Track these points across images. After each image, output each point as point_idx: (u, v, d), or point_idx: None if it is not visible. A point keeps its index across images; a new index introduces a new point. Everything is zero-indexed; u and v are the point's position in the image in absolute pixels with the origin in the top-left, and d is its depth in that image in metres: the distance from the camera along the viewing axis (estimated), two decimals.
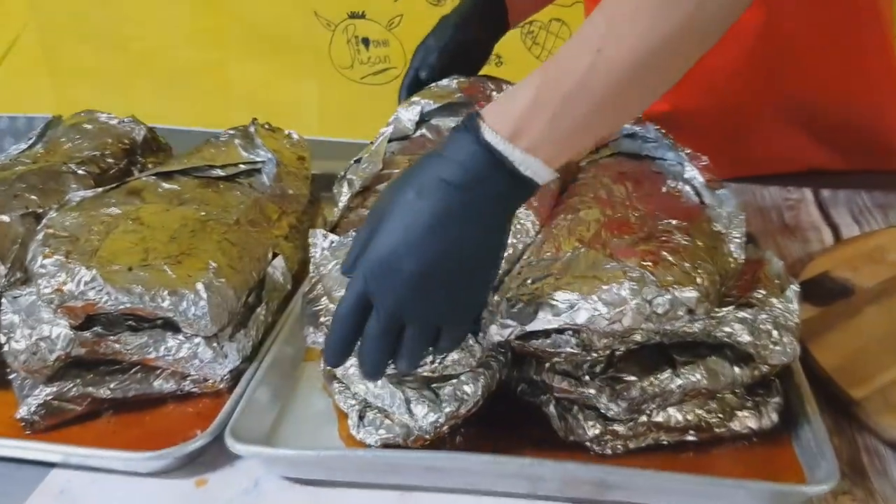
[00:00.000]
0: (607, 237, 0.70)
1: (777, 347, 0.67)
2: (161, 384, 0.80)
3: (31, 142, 1.08)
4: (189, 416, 0.79)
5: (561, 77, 0.57)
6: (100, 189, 0.92)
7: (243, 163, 1.02)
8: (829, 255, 0.97)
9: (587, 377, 0.69)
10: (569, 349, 0.67)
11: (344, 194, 0.91)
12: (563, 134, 0.57)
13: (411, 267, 0.57)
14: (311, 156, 1.14)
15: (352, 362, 0.70)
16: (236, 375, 0.81)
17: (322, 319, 0.73)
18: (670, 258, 0.66)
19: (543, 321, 0.65)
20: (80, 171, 0.99)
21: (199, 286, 0.78)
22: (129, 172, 1.04)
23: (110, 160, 1.02)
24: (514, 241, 0.76)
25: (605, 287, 0.64)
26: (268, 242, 0.92)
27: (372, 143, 0.98)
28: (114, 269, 0.77)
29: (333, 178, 1.17)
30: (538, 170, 0.58)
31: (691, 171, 0.82)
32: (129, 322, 0.79)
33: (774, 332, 0.67)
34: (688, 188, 0.81)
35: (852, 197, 1.13)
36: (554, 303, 0.65)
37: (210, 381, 0.80)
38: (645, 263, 0.65)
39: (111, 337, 0.77)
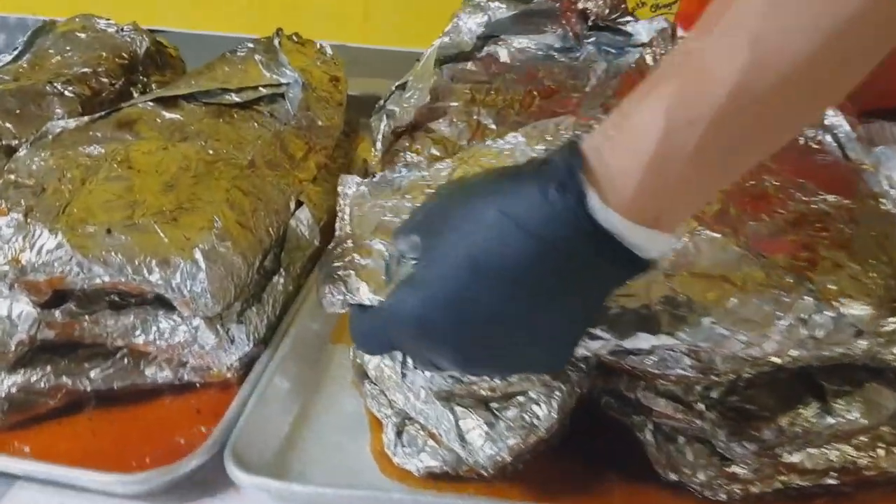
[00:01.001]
0: (738, 216, 0.51)
1: None
2: (154, 373, 0.64)
3: (14, 53, 0.90)
4: (188, 413, 0.64)
5: (702, 91, 0.36)
6: (85, 118, 0.75)
7: (264, 85, 0.84)
8: None
9: (701, 404, 0.51)
10: (680, 370, 0.49)
11: (382, 131, 0.73)
12: (703, 183, 0.39)
13: (455, 346, 0.44)
14: (347, 74, 0.96)
15: (387, 362, 0.54)
16: (248, 361, 0.65)
17: (349, 282, 0.53)
18: (832, 255, 0.47)
19: (648, 338, 0.47)
20: (67, 93, 0.82)
21: (198, 253, 0.61)
22: (127, 94, 0.86)
23: (104, 79, 0.85)
24: None
25: (740, 295, 0.46)
26: (290, 189, 0.74)
27: (419, 60, 0.79)
28: (87, 231, 0.60)
29: (376, 101, 0.99)
30: (663, 245, 0.40)
31: (835, 117, 0.62)
32: (111, 298, 0.63)
33: None
34: (829, 139, 0.61)
35: None
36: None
37: (214, 370, 0.64)
38: (798, 263, 0.46)
39: (87, 317, 0.62)
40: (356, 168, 0.94)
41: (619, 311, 0.48)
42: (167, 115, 0.77)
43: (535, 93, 0.68)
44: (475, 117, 0.65)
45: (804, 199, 0.51)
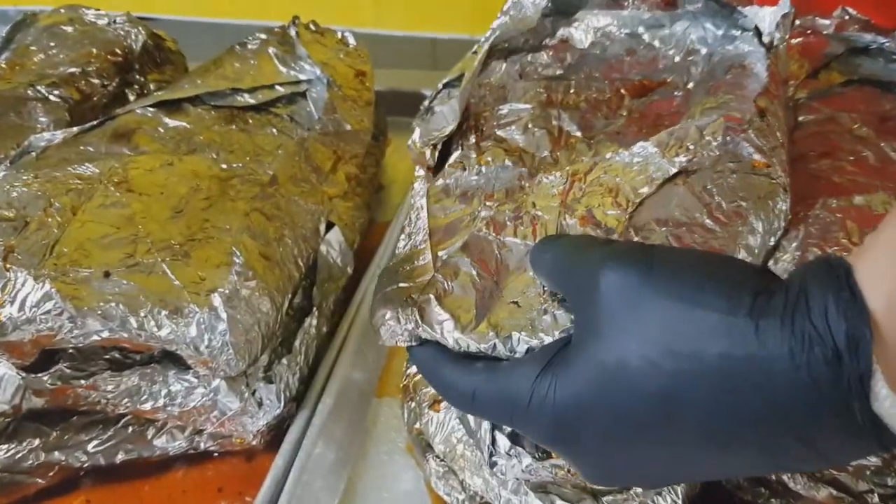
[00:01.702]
0: None
1: None
2: (164, 442, 0.53)
3: None
4: (208, 491, 0.53)
5: None
6: (74, 129, 0.63)
7: (281, 83, 0.72)
8: None
9: (875, 495, 0.40)
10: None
11: (429, 135, 0.61)
12: None
13: (597, 463, 0.36)
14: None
15: (464, 440, 0.43)
16: (279, 421, 0.53)
17: (427, 311, 0.41)
18: None
19: None
20: (52, 97, 0.69)
21: (217, 298, 0.50)
22: (122, 98, 0.74)
23: (95, 80, 0.72)
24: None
25: None
26: (319, 208, 0.62)
27: (475, 52, 0.66)
28: (80, 276, 0.48)
29: (396, 96, 0.88)
30: None
31: None
32: (111, 356, 0.51)
33: None
34: None
35: None
36: None
37: (237, 438, 0.53)
38: None
39: (82, 381, 0.50)
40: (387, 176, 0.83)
41: None
42: (171, 122, 0.65)
43: (622, 91, 0.55)
44: (555, 122, 0.53)
45: None
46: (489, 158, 0.51)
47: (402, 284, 0.44)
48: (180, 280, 0.50)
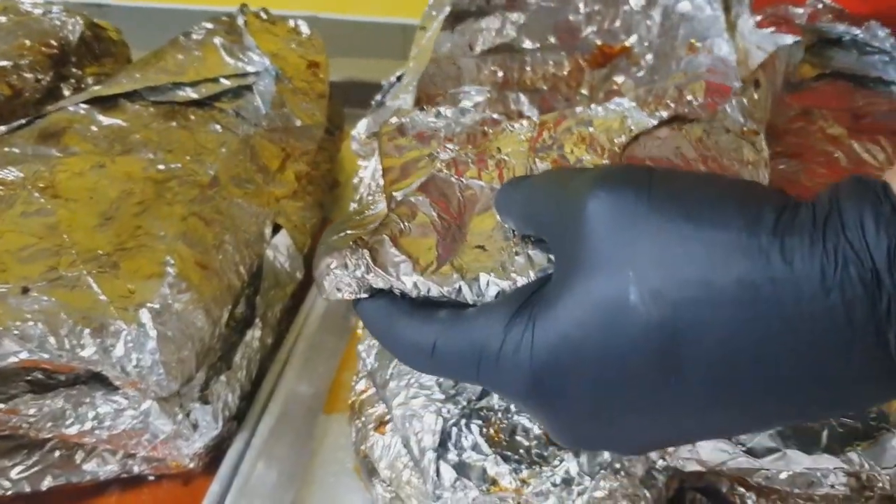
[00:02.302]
0: None
1: None
2: (95, 467, 0.50)
3: None
4: None
5: None
6: (2, 127, 0.59)
7: (228, 76, 0.68)
8: None
9: None
10: (826, 490, 0.35)
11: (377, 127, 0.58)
12: None
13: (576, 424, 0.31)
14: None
15: (411, 469, 0.40)
16: (218, 442, 0.50)
17: (381, 252, 0.36)
18: None
19: (800, 459, 0.33)
20: None
21: (145, 314, 0.46)
22: (57, 93, 0.70)
23: (28, 74, 0.68)
24: None
25: None
26: (265, 210, 0.59)
27: (423, 27, 0.62)
28: None
29: (357, 86, 0.84)
30: None
31: None
32: (33, 377, 0.47)
33: None
34: None
35: None
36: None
37: (173, 461, 0.49)
38: None
39: (1, 405, 0.46)
40: (344, 172, 0.79)
41: None
42: (105, 120, 0.61)
43: (581, 63, 0.52)
44: (513, 107, 0.50)
45: None
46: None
47: (349, 232, 0.39)
48: (107, 294, 0.47)
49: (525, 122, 0.44)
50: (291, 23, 0.77)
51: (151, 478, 0.51)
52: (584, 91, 0.52)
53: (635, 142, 0.41)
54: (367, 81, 0.89)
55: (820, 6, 0.64)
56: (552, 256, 0.33)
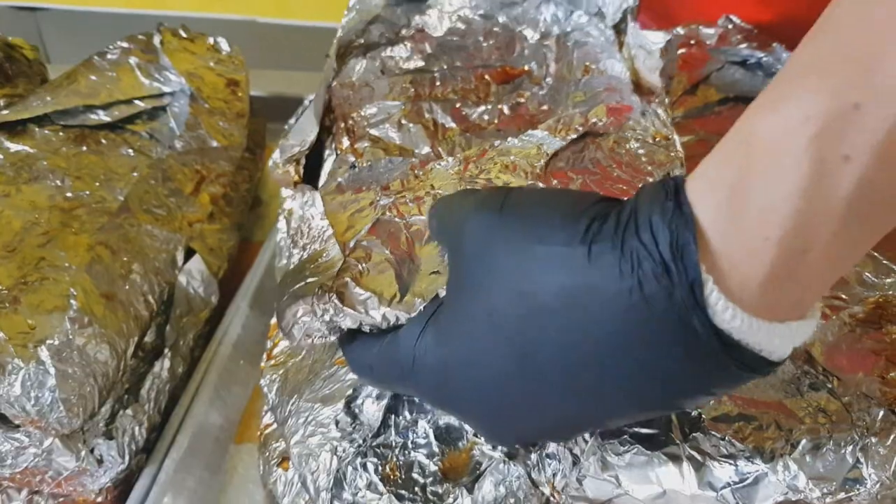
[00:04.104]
0: None
1: None
2: None
3: None
4: None
5: (869, 105, 0.24)
6: None
7: (142, 98, 0.67)
8: None
9: None
10: None
11: (290, 152, 0.58)
12: (851, 250, 0.27)
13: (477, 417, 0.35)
14: (258, 63, 0.79)
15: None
16: (126, 476, 0.50)
17: (348, 293, 0.38)
18: None
19: (670, 499, 0.33)
20: None
21: (44, 351, 0.45)
22: None
23: None
24: None
25: (806, 439, 0.32)
26: (176, 235, 0.58)
27: (328, 55, 0.63)
28: None
29: (283, 101, 0.84)
30: (797, 338, 0.27)
31: None
32: None
33: None
34: None
35: None
36: (694, 456, 0.33)
37: (80, 497, 0.49)
38: (890, 390, 0.33)
39: None
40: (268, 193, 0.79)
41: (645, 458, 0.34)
42: (12, 146, 0.60)
43: (487, 78, 0.53)
44: (428, 115, 0.51)
45: (874, 279, 0.37)
46: (368, 160, 0.48)
47: (310, 280, 0.40)
48: (5, 331, 0.46)
49: (451, 160, 0.46)
50: (211, 40, 0.76)
51: None
52: (493, 100, 0.53)
53: (556, 157, 0.43)
54: (293, 96, 0.88)
55: (730, 26, 0.65)
56: None
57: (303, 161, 0.52)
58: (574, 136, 0.45)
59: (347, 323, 0.38)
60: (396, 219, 0.42)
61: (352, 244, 0.41)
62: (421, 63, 0.56)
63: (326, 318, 0.38)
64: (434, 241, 0.39)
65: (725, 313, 0.26)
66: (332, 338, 0.39)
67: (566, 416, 0.31)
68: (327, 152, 0.54)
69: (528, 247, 0.29)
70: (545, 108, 0.52)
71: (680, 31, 0.65)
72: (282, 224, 0.57)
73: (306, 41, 1.18)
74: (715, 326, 0.26)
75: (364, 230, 0.42)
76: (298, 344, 0.39)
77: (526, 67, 0.54)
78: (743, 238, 0.25)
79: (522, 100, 0.53)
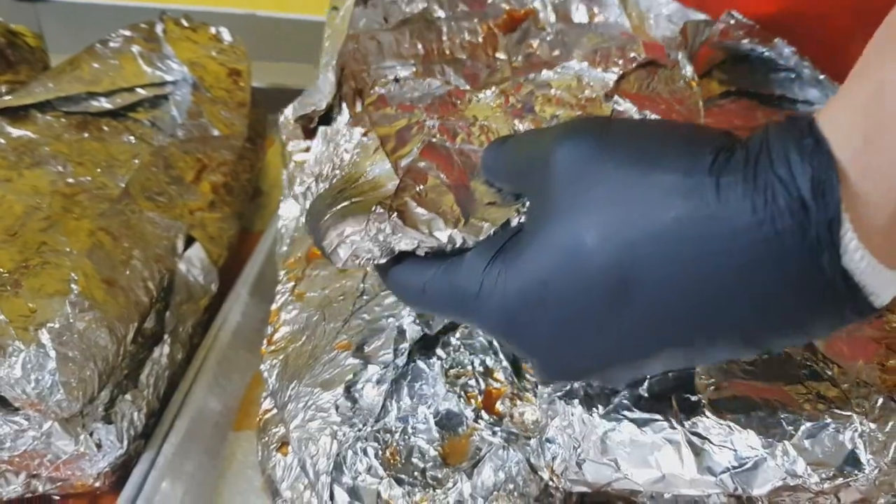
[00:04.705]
0: None
1: None
2: None
3: None
4: None
5: None
6: None
7: (144, 86, 0.67)
8: None
9: None
10: None
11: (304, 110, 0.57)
12: None
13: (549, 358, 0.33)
14: (257, 56, 0.79)
15: (311, 493, 0.40)
16: (125, 461, 0.50)
17: (409, 212, 0.36)
18: None
19: (669, 483, 0.33)
20: None
21: (45, 334, 0.45)
22: None
23: None
24: None
25: (806, 424, 0.32)
26: (177, 223, 0.58)
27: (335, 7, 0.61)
28: None
29: (283, 93, 0.83)
30: None
31: None
32: None
33: None
34: None
35: None
36: (694, 440, 0.34)
37: (78, 482, 0.49)
38: (890, 378, 0.33)
39: None
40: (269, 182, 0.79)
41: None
42: (14, 131, 0.60)
43: (493, 29, 0.52)
44: (440, 77, 0.50)
45: None
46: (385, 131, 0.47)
47: (356, 199, 0.38)
48: (6, 314, 0.46)
49: (488, 92, 0.45)
50: (213, 30, 0.76)
51: (57, 497, 0.50)
52: (502, 55, 0.52)
53: (622, 80, 0.42)
54: (294, 88, 0.88)
55: (732, 22, 0.65)
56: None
57: (316, 120, 0.50)
58: (616, 69, 0.44)
59: (403, 244, 0.35)
60: (448, 143, 0.41)
61: (403, 164, 0.40)
62: (423, 4, 0.54)
63: (381, 237, 0.35)
64: (486, 178, 0.38)
65: (856, 254, 0.26)
66: (382, 259, 0.36)
67: (648, 353, 0.31)
68: (336, 111, 0.52)
69: (641, 174, 0.29)
70: (557, 52, 0.50)
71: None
72: (284, 210, 0.57)
73: (304, 34, 1.17)
74: (842, 267, 0.26)
75: (415, 150, 0.40)
76: (344, 265, 0.37)
77: (530, 6, 0.53)
78: (878, 182, 0.25)
79: (532, 49, 0.52)
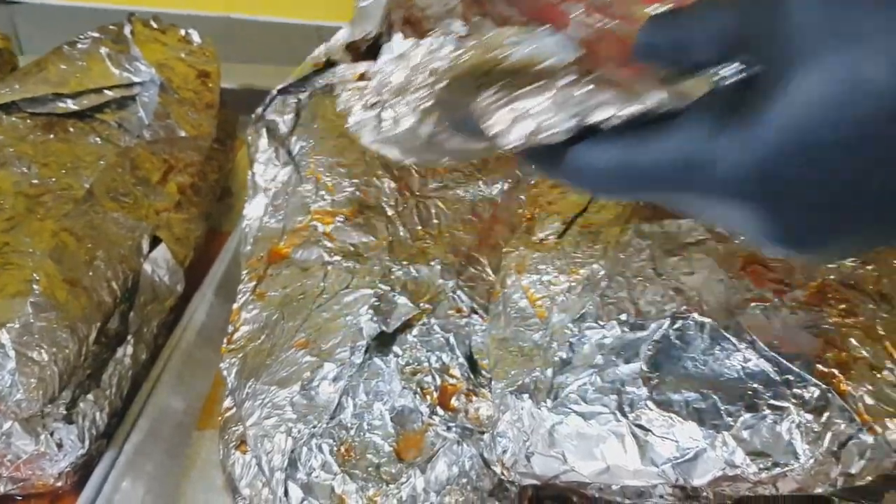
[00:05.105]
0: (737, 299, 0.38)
1: None
2: None
3: None
4: None
5: None
6: None
7: (111, 87, 0.67)
8: None
9: None
10: (656, 500, 0.37)
11: (262, 148, 0.58)
12: None
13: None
14: (229, 58, 0.79)
15: (268, 491, 0.40)
16: (86, 461, 0.50)
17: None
18: (866, 352, 0.35)
19: (614, 474, 0.34)
20: None
21: (5, 335, 0.46)
22: None
23: None
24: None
25: (745, 416, 0.33)
26: (142, 224, 0.59)
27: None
28: None
29: (254, 94, 0.83)
30: None
31: None
32: None
33: None
34: None
35: None
36: (637, 433, 0.34)
37: (39, 481, 0.49)
38: (824, 370, 0.34)
39: None
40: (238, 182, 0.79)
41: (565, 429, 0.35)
42: None
43: None
44: (488, 5, 0.47)
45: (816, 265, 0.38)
46: None
47: (519, 77, 0.33)
48: None
49: None
50: (182, 31, 0.77)
51: (19, 497, 0.50)
52: None
53: None
54: (265, 89, 0.89)
55: None
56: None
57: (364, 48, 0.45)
58: None
59: (600, 113, 0.31)
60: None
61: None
62: None
63: (572, 106, 0.31)
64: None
65: None
66: (563, 137, 0.31)
67: None
68: (384, 39, 0.45)
69: None
70: None
71: None
72: (248, 210, 0.57)
73: (276, 37, 1.17)
74: None
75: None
76: (513, 146, 0.32)
77: None
78: None
79: None
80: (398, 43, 0.39)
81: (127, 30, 0.73)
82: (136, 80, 0.69)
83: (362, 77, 0.42)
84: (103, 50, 0.70)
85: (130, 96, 0.68)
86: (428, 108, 0.35)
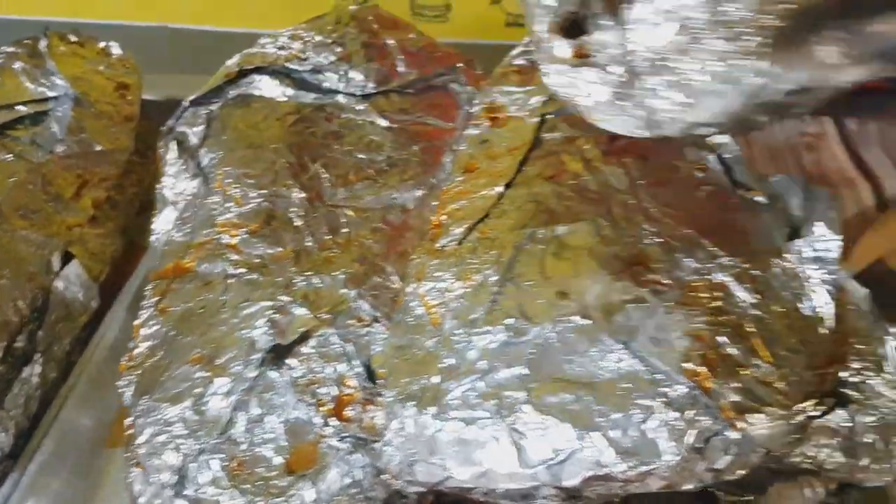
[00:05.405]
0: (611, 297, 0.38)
1: (882, 466, 0.38)
2: None
3: None
4: None
5: None
6: None
7: (25, 102, 0.67)
8: (879, 230, 0.67)
9: None
10: (539, 502, 0.37)
11: (169, 162, 0.58)
12: None
13: None
14: (169, 67, 0.79)
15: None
16: None
17: None
18: (734, 350, 0.35)
19: (490, 478, 0.34)
20: None
21: None
22: None
23: None
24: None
25: (614, 416, 0.33)
26: (53, 240, 0.58)
27: None
28: None
29: (177, 106, 0.83)
30: None
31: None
32: None
33: (880, 444, 0.38)
34: (712, 159, 0.49)
35: (888, 132, 0.81)
36: (514, 436, 0.34)
37: None
38: (692, 368, 0.34)
39: None
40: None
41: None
42: None
43: None
44: None
45: (694, 265, 0.39)
46: None
47: None
48: None
49: None
50: (102, 44, 0.76)
51: None
52: None
53: None
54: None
55: None
56: None
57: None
58: None
59: None
60: None
61: None
62: None
63: None
64: None
65: None
66: None
67: None
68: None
69: None
70: None
71: None
72: (157, 224, 0.57)
73: (201, 45, 1.16)
74: None
75: None
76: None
77: None
78: None
79: None
80: None
81: (42, 44, 0.72)
82: (50, 94, 0.68)
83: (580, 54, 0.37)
84: (17, 65, 0.69)
85: (44, 111, 0.67)
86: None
